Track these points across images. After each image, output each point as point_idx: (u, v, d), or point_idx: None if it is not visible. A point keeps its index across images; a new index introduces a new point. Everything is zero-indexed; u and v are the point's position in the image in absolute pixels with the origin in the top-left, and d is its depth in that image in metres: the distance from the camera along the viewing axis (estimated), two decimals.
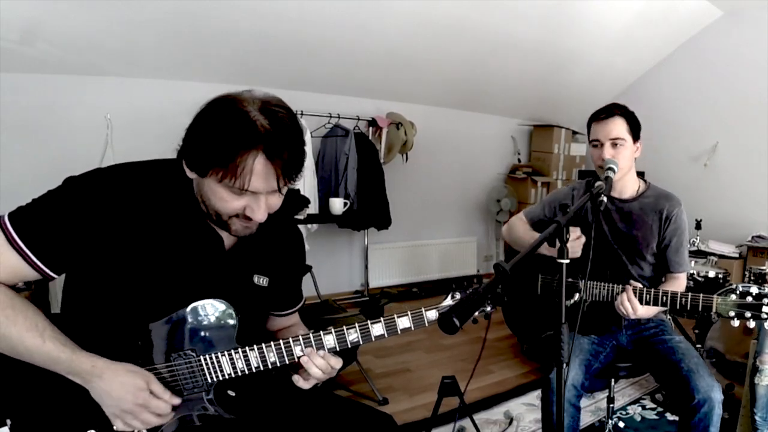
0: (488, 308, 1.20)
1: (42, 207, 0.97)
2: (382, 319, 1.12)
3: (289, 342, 1.09)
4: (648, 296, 1.61)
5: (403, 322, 1.13)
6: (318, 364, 1.09)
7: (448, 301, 1.15)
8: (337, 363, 1.12)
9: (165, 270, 1.04)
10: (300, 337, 1.09)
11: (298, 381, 1.11)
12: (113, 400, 0.97)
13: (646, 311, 1.63)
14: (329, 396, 1.32)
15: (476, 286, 1.17)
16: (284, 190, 1.01)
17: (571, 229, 1.70)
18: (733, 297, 1.47)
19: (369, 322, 1.12)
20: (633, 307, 1.60)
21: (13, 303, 0.95)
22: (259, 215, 0.99)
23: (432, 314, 1.13)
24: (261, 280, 1.18)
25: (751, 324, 1.45)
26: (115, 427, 1.01)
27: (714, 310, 1.49)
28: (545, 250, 1.74)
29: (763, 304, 1.43)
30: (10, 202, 1.00)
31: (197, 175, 0.99)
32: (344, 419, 1.21)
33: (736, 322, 1.47)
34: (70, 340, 0.97)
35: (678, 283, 1.78)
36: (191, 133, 0.98)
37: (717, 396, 1.51)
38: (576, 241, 1.67)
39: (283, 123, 0.96)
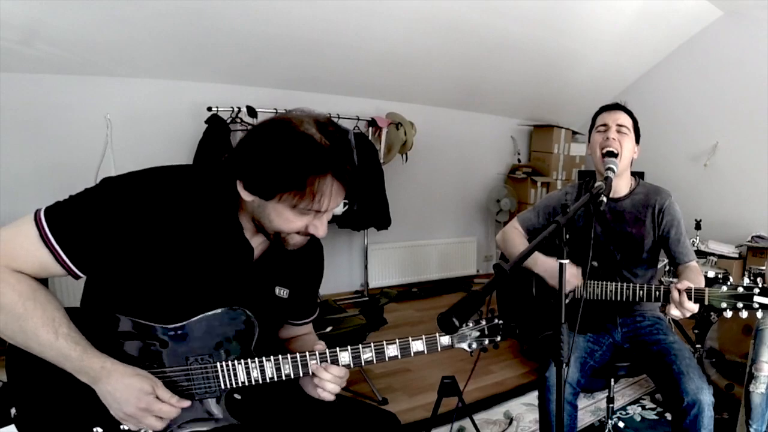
0: (498, 338, 1.25)
1: (78, 206, 0.97)
2: (397, 340, 1.17)
3: (305, 357, 1.11)
4: (642, 292, 1.63)
5: (417, 346, 1.18)
6: (333, 374, 1.12)
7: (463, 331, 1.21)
8: (341, 371, 1.15)
9: (192, 275, 1.04)
10: (317, 353, 1.12)
11: (322, 393, 1.13)
12: (117, 403, 0.97)
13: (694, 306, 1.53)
14: None
15: (489, 316, 1.24)
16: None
17: (568, 264, 1.72)
18: (724, 288, 1.47)
19: (384, 342, 1.16)
20: (689, 309, 1.50)
21: (35, 295, 0.95)
22: (321, 231, 1.05)
23: (445, 340, 1.20)
24: (282, 292, 1.20)
25: (744, 314, 1.45)
26: (122, 427, 1.01)
27: (707, 302, 1.49)
28: (540, 268, 1.79)
29: (754, 294, 1.43)
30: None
31: (259, 198, 1.00)
32: (348, 418, 1.22)
33: (729, 314, 1.47)
34: (84, 337, 0.97)
35: (695, 272, 1.71)
36: (250, 157, 0.99)
37: (706, 398, 1.50)
38: (572, 275, 1.69)
39: (345, 142, 1.00)
